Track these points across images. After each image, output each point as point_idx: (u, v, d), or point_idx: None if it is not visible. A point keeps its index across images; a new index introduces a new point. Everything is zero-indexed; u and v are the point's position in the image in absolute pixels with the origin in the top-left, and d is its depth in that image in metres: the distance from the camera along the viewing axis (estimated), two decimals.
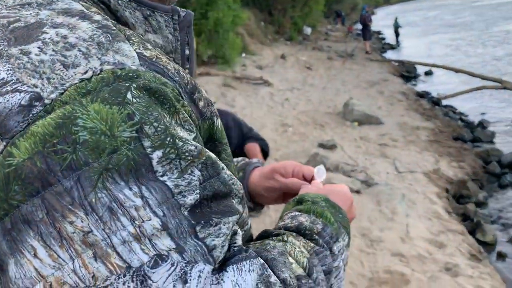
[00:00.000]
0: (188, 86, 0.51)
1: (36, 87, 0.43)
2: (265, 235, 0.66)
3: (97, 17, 0.50)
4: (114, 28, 0.49)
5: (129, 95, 0.43)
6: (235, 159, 0.96)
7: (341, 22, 34.03)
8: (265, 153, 4.10)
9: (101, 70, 0.44)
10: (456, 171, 5.87)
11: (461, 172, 5.88)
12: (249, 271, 0.46)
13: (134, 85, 0.44)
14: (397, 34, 22.78)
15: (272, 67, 12.88)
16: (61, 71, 0.44)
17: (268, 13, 19.78)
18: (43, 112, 0.42)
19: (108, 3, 0.57)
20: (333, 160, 5.65)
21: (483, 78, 10.25)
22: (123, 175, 0.41)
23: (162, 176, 0.43)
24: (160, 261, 0.41)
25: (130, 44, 0.48)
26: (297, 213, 0.68)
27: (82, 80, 0.43)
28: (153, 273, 0.41)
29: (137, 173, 0.42)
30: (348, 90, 10.62)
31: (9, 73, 0.44)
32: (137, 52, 0.48)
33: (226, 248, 0.46)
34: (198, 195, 0.44)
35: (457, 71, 11.81)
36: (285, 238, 0.61)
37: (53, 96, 0.42)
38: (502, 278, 3.65)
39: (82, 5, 0.53)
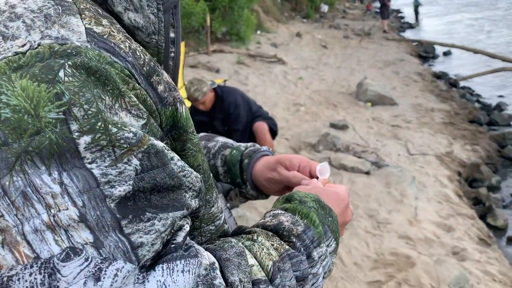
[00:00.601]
0: (145, 68, 0.47)
1: None
2: (238, 231, 0.63)
3: None
4: (68, 0, 0.47)
5: (61, 73, 0.40)
6: (244, 144, 0.94)
7: (360, 0, 33.30)
8: (273, 132, 4.08)
9: (39, 45, 0.41)
10: (469, 154, 5.77)
11: (475, 156, 5.78)
12: (182, 272, 0.43)
13: (70, 62, 0.40)
14: (416, 12, 22.22)
15: (287, 45, 12.72)
16: (2, 42, 0.42)
17: None
18: None
19: None
20: (344, 140, 5.60)
21: (504, 59, 9.96)
22: (45, 159, 0.38)
23: (90, 163, 0.40)
24: (72, 255, 0.38)
25: (81, 19, 0.45)
26: (280, 211, 0.64)
27: (16, 54, 0.41)
28: (63, 266, 0.38)
29: (61, 158, 0.39)
30: (363, 70, 10.44)
31: None
32: (86, 27, 0.44)
33: (158, 246, 0.43)
34: (131, 187, 0.41)
35: (476, 52, 11.51)
36: (255, 237, 0.57)
37: None
38: (510, 263, 3.61)
39: None
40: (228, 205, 0.88)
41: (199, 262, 0.45)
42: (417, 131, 6.46)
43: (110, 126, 0.40)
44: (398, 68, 10.82)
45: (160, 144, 0.45)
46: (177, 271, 0.43)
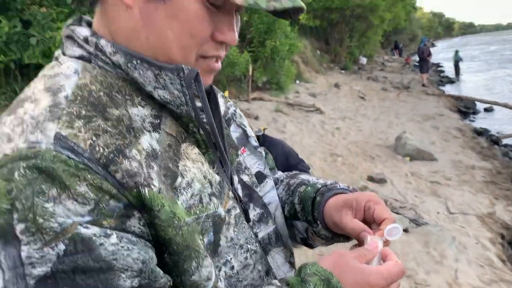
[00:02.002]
0: (101, 160, 0.57)
1: None
2: None
3: (63, 93, 0.61)
4: (62, 105, 0.59)
5: (16, 173, 0.52)
6: (323, 181, 0.92)
7: (399, 53, 33.56)
8: None
9: (17, 148, 0.55)
10: None
11: None
12: None
13: (24, 164, 0.53)
14: (457, 67, 22.12)
15: (325, 95, 12.90)
16: (4, 144, 0.56)
17: (325, 42, 19.93)
18: None
19: (120, 66, 0.67)
20: (382, 194, 5.55)
21: None
22: None
23: (25, 244, 0.51)
24: None
25: (57, 123, 0.57)
26: (274, 287, 0.66)
27: (4, 155, 0.54)
28: None
29: (5, 238, 0.51)
30: (401, 123, 10.42)
31: None
32: (56, 132, 0.56)
33: None
34: (49, 268, 0.51)
35: None
36: None
37: None
38: None
39: (81, 72, 0.65)
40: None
41: None
42: (457, 188, 6.33)
43: (37, 217, 0.51)
44: (437, 122, 10.72)
45: (88, 232, 0.54)
46: None
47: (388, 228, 0.74)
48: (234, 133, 0.92)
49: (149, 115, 0.69)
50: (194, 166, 0.71)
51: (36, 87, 0.63)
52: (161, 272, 0.61)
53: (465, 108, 13.77)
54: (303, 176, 0.99)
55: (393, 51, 34.39)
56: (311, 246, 0.98)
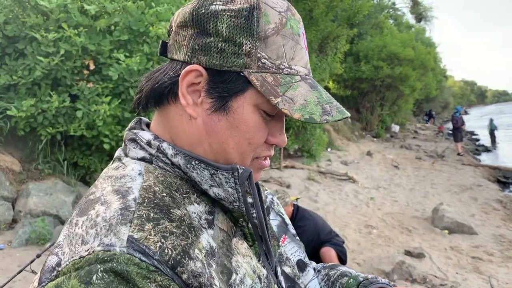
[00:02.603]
0: (170, 262, 0.61)
1: (63, 254, 0.60)
2: None
3: (131, 196, 0.66)
4: (132, 209, 0.64)
5: (94, 277, 0.56)
6: (364, 274, 1.00)
7: (432, 122, 33.41)
8: (341, 261, 3.97)
9: (93, 251, 0.58)
10: None
11: None
12: None
13: (102, 268, 0.56)
14: (492, 136, 21.73)
15: (357, 163, 12.83)
16: (78, 245, 0.60)
17: (356, 111, 20.15)
18: (55, 277, 0.58)
19: (180, 166, 0.74)
20: (420, 270, 5.30)
21: None
22: None
23: None
24: None
25: (129, 227, 0.62)
26: None
27: (80, 257, 0.58)
28: None
29: None
30: (437, 194, 10.14)
31: (63, 238, 0.63)
32: (128, 235, 0.61)
33: None
34: None
35: None
36: None
37: (63, 265, 0.58)
38: None
39: (145, 174, 0.71)
40: None
41: None
42: (501, 265, 5.98)
43: None
44: (475, 193, 10.38)
45: None
46: None
47: None
48: (274, 221, 0.97)
49: (204, 212, 0.74)
50: (245, 261, 0.75)
51: (105, 188, 0.69)
52: None
53: (504, 178, 13.31)
54: (343, 268, 1.05)
55: (426, 119, 34.29)
56: None
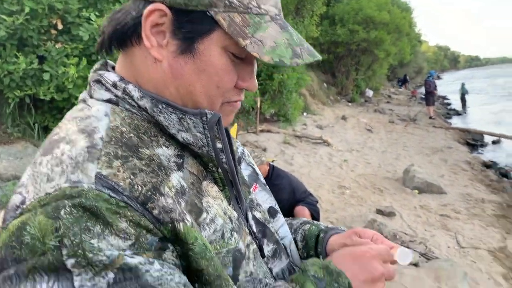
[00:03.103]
0: (140, 198, 0.61)
1: (28, 193, 0.59)
2: None
3: (98, 135, 0.65)
4: (99, 146, 0.63)
5: (62, 212, 0.55)
6: (326, 224, 1.03)
7: (406, 86, 33.80)
8: (314, 220, 4.05)
9: (60, 188, 0.58)
10: None
11: None
12: None
13: (70, 203, 0.56)
14: (463, 100, 22.21)
15: (332, 127, 12.98)
16: (43, 183, 0.59)
17: (331, 75, 20.19)
18: (19, 214, 0.57)
19: (146, 110, 0.72)
20: (391, 228, 5.50)
21: None
22: (46, 271, 0.54)
23: (77, 275, 0.54)
24: None
25: (97, 164, 0.61)
26: (279, 283, 0.73)
27: (46, 194, 0.58)
28: None
29: (57, 272, 0.54)
30: (409, 156, 10.41)
31: (27, 178, 0.61)
32: (96, 172, 0.60)
33: None
34: None
35: None
36: None
37: (28, 202, 0.57)
38: None
39: (111, 115, 0.70)
40: None
41: None
42: (467, 222, 6.26)
43: (87, 252, 0.54)
44: (445, 155, 10.70)
45: (134, 261, 0.57)
46: None
47: (399, 250, 0.79)
48: (245, 171, 0.98)
49: (173, 155, 0.73)
50: (215, 202, 0.75)
51: (69, 129, 0.67)
52: None
53: (473, 140, 13.74)
54: (306, 219, 1.08)
55: (400, 84, 34.66)
56: None
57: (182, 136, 0.73)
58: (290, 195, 4.00)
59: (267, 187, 1.02)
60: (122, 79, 0.74)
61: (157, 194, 0.63)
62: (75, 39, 5.54)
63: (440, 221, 6.21)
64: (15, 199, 0.60)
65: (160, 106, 0.71)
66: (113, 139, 0.66)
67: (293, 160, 8.73)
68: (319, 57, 0.72)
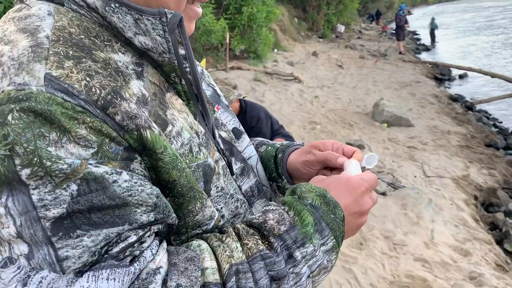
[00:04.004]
0: (99, 102, 0.53)
1: None
2: (221, 229, 0.68)
3: (43, 34, 0.56)
4: (45, 46, 0.55)
5: (9, 117, 0.48)
6: (279, 142, 1.00)
7: (379, 22, 33.44)
8: None
9: (3, 91, 0.50)
10: (486, 179, 5.74)
11: (492, 180, 5.74)
12: (107, 279, 0.50)
13: (18, 107, 0.48)
14: (432, 35, 22.25)
15: (303, 64, 12.84)
16: None
17: (302, 10, 19.68)
18: None
19: (97, 9, 0.62)
20: None
21: None
22: None
23: (34, 189, 0.48)
24: (9, 263, 0.49)
25: (45, 64, 0.52)
26: (272, 207, 0.68)
27: None
28: (2, 272, 0.49)
29: (10, 186, 0.48)
30: (379, 91, 10.49)
31: None
32: (46, 73, 0.52)
33: (85, 258, 0.50)
34: (65, 209, 0.49)
35: (493, 76, 11.50)
36: (223, 238, 0.63)
37: None
38: None
39: (56, 15, 0.60)
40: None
41: (129, 271, 0.52)
42: (433, 153, 6.46)
43: (44, 160, 0.48)
44: (414, 89, 10.84)
45: (100, 170, 0.51)
46: (102, 278, 0.50)
47: (366, 156, 0.80)
48: (206, 91, 0.91)
49: (131, 63, 0.65)
50: (181, 116, 0.69)
51: (7, 29, 0.58)
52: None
53: (441, 75, 13.94)
54: (259, 138, 1.04)
55: (371, 19, 34.24)
56: None
57: (140, 40, 0.64)
58: (268, 125, 3.99)
59: (230, 109, 0.95)
60: None
61: (119, 98, 0.56)
62: None
63: (408, 153, 6.38)
64: None
65: (112, 5, 0.62)
66: (61, 38, 0.57)
67: (264, 97, 8.65)
68: None
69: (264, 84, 9.62)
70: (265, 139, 1.03)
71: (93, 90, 0.54)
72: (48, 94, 0.50)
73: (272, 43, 12.35)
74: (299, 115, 7.90)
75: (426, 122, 8.08)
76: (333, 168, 0.86)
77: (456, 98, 10.62)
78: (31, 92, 0.50)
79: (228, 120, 0.91)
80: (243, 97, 6.32)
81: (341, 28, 21.68)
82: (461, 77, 13.77)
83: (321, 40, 18.97)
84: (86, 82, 0.54)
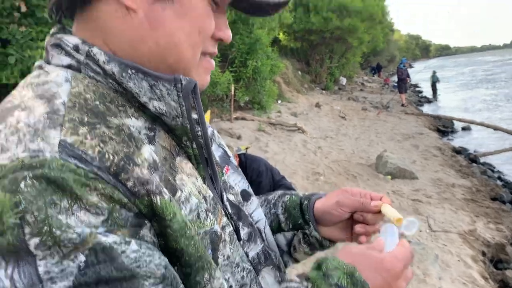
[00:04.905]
0: (112, 168, 0.54)
1: None
2: None
3: (59, 100, 0.57)
4: (61, 112, 0.56)
5: (22, 184, 0.48)
6: (301, 193, 1.01)
7: (380, 75, 34.21)
8: None
9: (17, 158, 0.50)
10: (493, 234, 5.63)
11: (499, 235, 5.63)
12: None
13: (31, 174, 0.48)
14: (434, 88, 22.67)
15: (306, 114, 13.01)
16: None
17: (306, 63, 20.21)
18: None
19: (114, 76, 0.63)
20: None
21: None
22: (5, 256, 0.47)
23: (41, 259, 0.47)
24: None
25: (60, 130, 0.53)
26: (294, 285, 0.66)
27: (0, 166, 0.50)
28: None
29: (17, 256, 0.47)
30: (382, 142, 10.54)
31: None
32: (60, 139, 0.52)
33: None
34: (72, 282, 0.48)
35: (496, 128, 11.58)
36: None
37: None
38: None
39: (73, 81, 0.61)
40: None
41: None
42: (438, 206, 6.38)
43: (54, 229, 0.47)
44: (417, 141, 10.89)
45: (109, 240, 0.50)
46: None
47: (406, 222, 0.76)
48: (216, 152, 0.91)
49: (143, 127, 0.66)
50: (190, 180, 0.68)
51: (25, 95, 0.59)
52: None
53: (444, 127, 14.05)
54: (280, 191, 1.05)
55: (373, 72, 35.03)
56: (295, 261, 1.02)
57: (154, 105, 0.65)
58: (269, 177, 3.98)
59: (239, 169, 0.96)
60: (85, 41, 0.65)
61: (131, 164, 0.56)
62: (40, 22, 5.31)
63: (412, 206, 6.31)
64: None
65: (129, 72, 0.63)
66: (77, 104, 0.58)
67: (267, 147, 8.70)
68: None
69: (268, 135, 9.70)
70: (287, 191, 1.04)
71: (106, 156, 0.54)
72: (62, 161, 0.50)
73: (276, 94, 12.59)
74: (303, 166, 7.90)
75: (430, 174, 8.05)
76: (357, 221, 0.89)
77: (459, 151, 10.64)
78: (45, 159, 0.50)
79: (237, 181, 0.91)
80: (247, 148, 6.37)
81: (343, 80, 22.16)
82: (464, 129, 13.87)
83: (324, 92, 19.33)
84: (100, 148, 0.54)
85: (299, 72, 18.82)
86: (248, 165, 3.92)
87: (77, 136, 0.54)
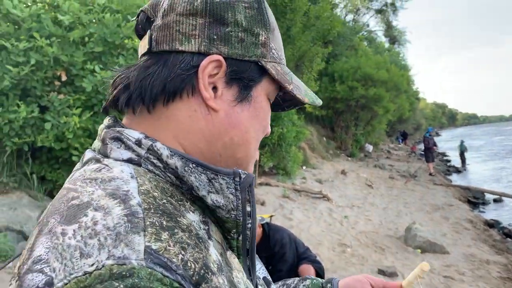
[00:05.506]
0: (194, 277, 0.53)
1: (54, 271, 0.48)
2: None
3: (134, 201, 0.56)
4: (140, 215, 0.55)
5: None
6: (309, 277, 1.05)
7: (407, 142, 34.08)
8: (319, 277, 3.92)
9: (103, 265, 0.48)
10: None
11: None
12: None
13: (122, 285, 0.47)
14: (462, 157, 22.29)
15: (332, 181, 12.89)
16: (76, 259, 0.49)
17: (331, 130, 20.39)
18: None
19: (176, 170, 0.65)
20: None
21: None
22: None
23: None
24: None
25: (144, 236, 0.52)
26: None
27: (85, 273, 0.48)
28: None
29: None
30: (410, 213, 10.25)
31: (46, 251, 0.51)
32: (145, 246, 0.51)
33: None
34: None
35: None
36: None
37: (59, 285, 0.47)
38: None
39: (138, 177, 0.61)
40: None
41: None
42: (472, 285, 6.03)
43: None
44: (447, 213, 10.54)
45: None
46: None
47: None
48: None
49: (200, 221, 0.66)
50: (239, 276, 0.68)
51: (93, 192, 0.58)
52: None
53: (474, 198, 13.61)
54: (302, 276, 1.12)
55: (399, 139, 34.91)
56: None
57: (212, 198, 0.66)
58: (292, 249, 3.88)
59: (257, 255, 0.95)
60: (147, 136, 0.67)
61: (210, 273, 0.56)
62: (78, 90, 5.60)
63: (444, 283, 5.98)
64: (35, 279, 0.49)
65: (191, 165, 0.65)
66: (151, 206, 0.58)
67: (292, 215, 8.58)
68: (320, 101, 0.81)
69: (293, 201, 9.60)
70: (309, 276, 1.07)
71: (189, 264, 0.54)
72: (149, 270, 0.50)
73: (301, 160, 12.61)
74: (328, 236, 7.70)
75: (462, 249, 7.69)
76: None
77: (492, 224, 10.20)
78: (133, 267, 0.49)
79: (258, 269, 0.92)
80: (271, 216, 6.29)
81: (369, 147, 22.11)
82: (495, 201, 13.39)
83: (349, 158, 19.26)
84: (182, 256, 0.54)
85: (324, 138, 18.94)
86: (272, 236, 3.85)
87: (161, 243, 0.53)
